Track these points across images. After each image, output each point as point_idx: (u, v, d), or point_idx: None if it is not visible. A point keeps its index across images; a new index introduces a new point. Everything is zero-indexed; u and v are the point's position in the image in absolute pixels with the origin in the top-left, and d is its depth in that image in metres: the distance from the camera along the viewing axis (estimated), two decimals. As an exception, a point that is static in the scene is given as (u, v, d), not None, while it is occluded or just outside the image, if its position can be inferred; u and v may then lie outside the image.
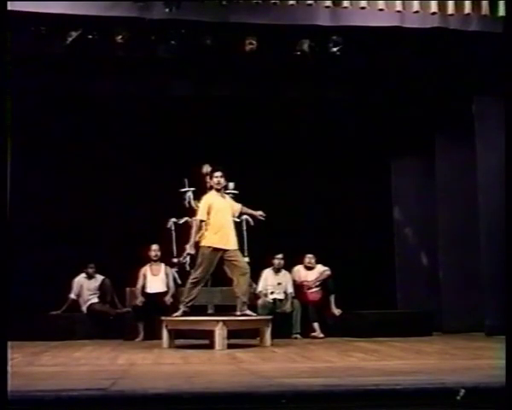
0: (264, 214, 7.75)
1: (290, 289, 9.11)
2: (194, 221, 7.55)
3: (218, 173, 7.50)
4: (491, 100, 8.71)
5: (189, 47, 8.07)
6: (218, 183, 7.49)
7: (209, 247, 7.35)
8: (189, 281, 7.46)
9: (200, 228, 7.40)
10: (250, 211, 7.92)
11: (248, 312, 7.45)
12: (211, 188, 7.60)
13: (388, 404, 3.78)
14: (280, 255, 9.11)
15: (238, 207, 7.79)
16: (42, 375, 4.97)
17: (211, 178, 7.57)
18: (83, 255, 9.43)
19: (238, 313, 7.40)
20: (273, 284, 9.10)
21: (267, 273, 9.13)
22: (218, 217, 7.39)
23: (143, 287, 9.01)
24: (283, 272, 9.20)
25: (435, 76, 9.08)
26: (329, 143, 10.25)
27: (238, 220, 8.82)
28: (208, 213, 7.38)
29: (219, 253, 7.35)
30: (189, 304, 7.40)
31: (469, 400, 3.79)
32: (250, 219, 9.03)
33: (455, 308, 9.31)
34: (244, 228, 8.73)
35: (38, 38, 7.78)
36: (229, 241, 7.41)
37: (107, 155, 9.96)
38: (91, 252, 9.52)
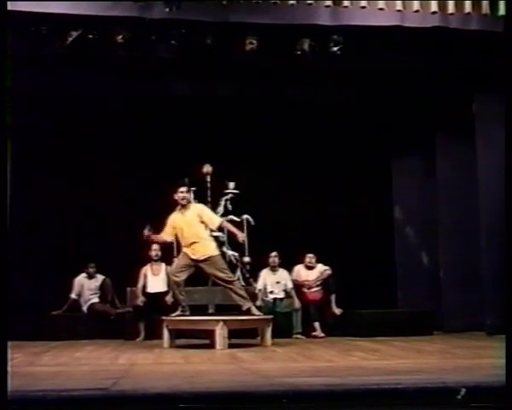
0: (244, 238, 7.91)
1: (290, 285, 9.08)
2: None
3: (184, 189, 7.58)
4: (491, 99, 8.70)
5: (189, 47, 8.07)
6: (184, 198, 7.57)
7: (184, 252, 7.59)
8: (172, 280, 7.66)
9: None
10: (232, 229, 7.83)
11: (254, 310, 7.47)
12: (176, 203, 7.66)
13: (389, 403, 3.79)
14: (274, 253, 9.09)
15: (216, 221, 7.79)
16: (43, 375, 4.97)
17: (176, 193, 7.62)
18: (83, 255, 9.43)
19: (244, 308, 7.41)
20: (272, 283, 9.10)
21: (265, 273, 9.12)
22: (183, 235, 7.55)
23: (144, 287, 9.01)
24: (280, 270, 9.18)
25: (435, 75, 9.08)
26: (330, 142, 10.25)
27: (238, 220, 8.84)
28: (175, 234, 7.69)
29: (192, 261, 7.48)
30: (184, 303, 7.48)
31: (470, 399, 3.79)
32: (251, 219, 9.05)
33: (455, 308, 9.30)
34: (245, 228, 8.73)
35: (38, 38, 7.78)
36: (200, 252, 7.48)
37: (108, 155, 9.97)
38: (92, 252, 9.52)
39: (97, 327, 8.91)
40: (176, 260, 8.06)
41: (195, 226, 7.57)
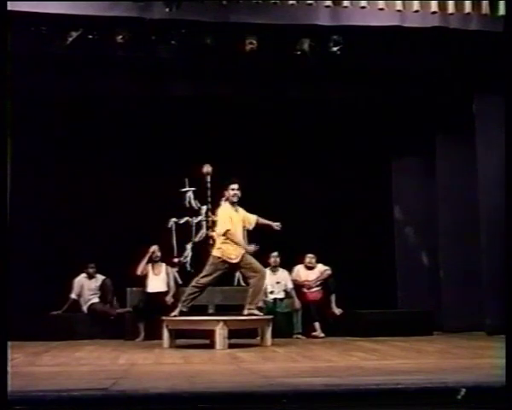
0: (280, 225, 7.64)
1: (290, 285, 9.09)
2: (217, 233, 7.46)
3: (235, 186, 7.43)
4: (491, 99, 8.71)
5: (189, 47, 8.07)
6: (235, 195, 7.43)
7: (219, 257, 7.37)
8: (194, 284, 7.45)
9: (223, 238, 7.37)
10: (266, 222, 7.73)
11: (256, 311, 7.45)
12: (227, 199, 7.49)
13: (389, 403, 3.79)
14: (275, 253, 9.09)
15: (253, 218, 7.68)
16: (43, 375, 4.97)
17: (226, 189, 7.47)
18: (83, 255, 9.43)
19: (246, 311, 7.37)
20: (272, 283, 9.09)
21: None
22: (234, 231, 7.39)
23: (144, 287, 9.01)
24: (281, 270, 9.19)
25: (435, 75, 9.08)
26: (330, 142, 10.24)
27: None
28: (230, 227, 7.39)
29: (228, 264, 7.39)
30: (189, 305, 7.42)
31: (470, 399, 3.79)
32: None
33: (455, 307, 9.30)
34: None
35: (38, 38, 7.78)
36: (237, 252, 7.39)
37: (107, 155, 9.96)
38: (92, 252, 9.51)
39: (97, 327, 8.92)
40: (207, 267, 7.50)
41: (241, 226, 7.53)
